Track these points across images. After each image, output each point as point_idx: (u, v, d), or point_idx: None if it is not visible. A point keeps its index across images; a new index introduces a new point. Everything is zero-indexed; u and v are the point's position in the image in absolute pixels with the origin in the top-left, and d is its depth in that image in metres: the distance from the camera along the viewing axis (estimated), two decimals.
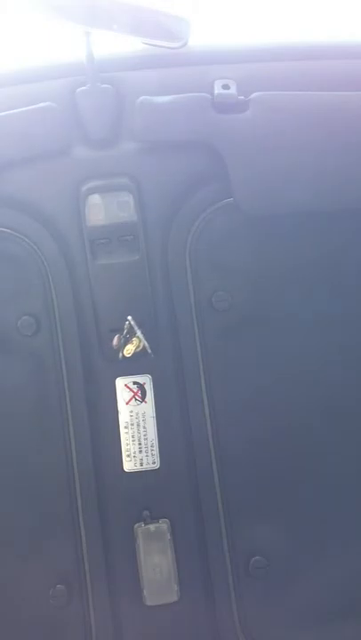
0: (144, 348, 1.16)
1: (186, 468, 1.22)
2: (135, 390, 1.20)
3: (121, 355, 1.16)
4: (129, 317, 1.15)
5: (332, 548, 1.25)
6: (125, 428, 1.20)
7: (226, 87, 1.14)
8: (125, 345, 1.16)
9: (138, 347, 1.16)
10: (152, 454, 1.21)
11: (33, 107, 1.12)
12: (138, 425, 1.20)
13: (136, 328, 1.15)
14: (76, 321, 1.17)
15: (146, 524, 1.22)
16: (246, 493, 1.23)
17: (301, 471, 1.23)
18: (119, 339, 1.16)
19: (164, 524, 1.22)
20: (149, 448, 1.21)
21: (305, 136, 1.14)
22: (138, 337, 1.16)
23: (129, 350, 1.16)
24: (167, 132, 1.13)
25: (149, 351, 1.16)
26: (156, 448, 1.21)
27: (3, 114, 1.12)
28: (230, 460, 1.21)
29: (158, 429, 1.20)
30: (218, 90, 1.13)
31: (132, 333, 1.16)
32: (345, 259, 1.20)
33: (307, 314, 1.20)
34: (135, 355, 1.17)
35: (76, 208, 1.14)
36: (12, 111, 1.12)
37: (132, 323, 1.15)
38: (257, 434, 1.21)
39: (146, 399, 1.20)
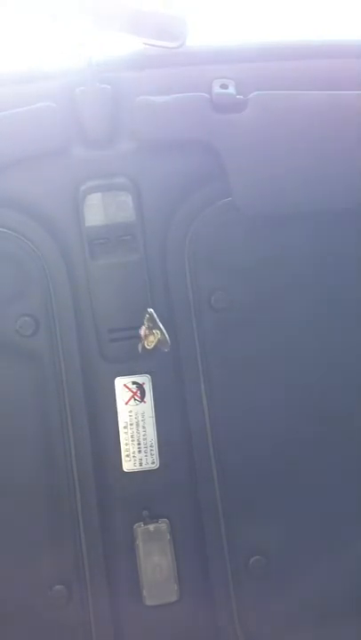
0: (163, 340, 1.14)
1: (185, 468, 1.22)
2: (134, 390, 1.20)
3: (141, 346, 1.15)
4: (150, 310, 1.14)
5: (331, 548, 1.24)
6: (125, 427, 1.20)
7: (224, 87, 1.14)
8: (148, 337, 1.15)
9: (157, 338, 1.14)
10: (151, 454, 1.21)
11: (32, 107, 1.12)
12: (137, 425, 1.20)
13: (157, 320, 1.14)
14: (75, 321, 1.17)
15: (145, 524, 1.22)
16: (246, 493, 1.22)
17: (301, 471, 1.23)
18: (146, 330, 1.14)
19: (163, 524, 1.22)
20: (149, 448, 1.21)
21: (304, 136, 1.13)
22: (160, 328, 1.14)
23: (151, 341, 1.14)
24: (166, 132, 1.13)
25: (169, 343, 1.14)
26: (155, 448, 1.21)
27: (2, 114, 1.12)
28: (230, 459, 1.21)
29: (157, 429, 1.20)
30: (216, 89, 1.13)
31: (153, 325, 1.14)
32: (344, 258, 1.20)
33: (306, 313, 1.20)
34: (135, 354, 1.16)
35: (75, 208, 1.14)
36: (11, 111, 1.12)
37: (154, 315, 1.14)
38: (256, 433, 1.21)
39: (145, 399, 1.20)
